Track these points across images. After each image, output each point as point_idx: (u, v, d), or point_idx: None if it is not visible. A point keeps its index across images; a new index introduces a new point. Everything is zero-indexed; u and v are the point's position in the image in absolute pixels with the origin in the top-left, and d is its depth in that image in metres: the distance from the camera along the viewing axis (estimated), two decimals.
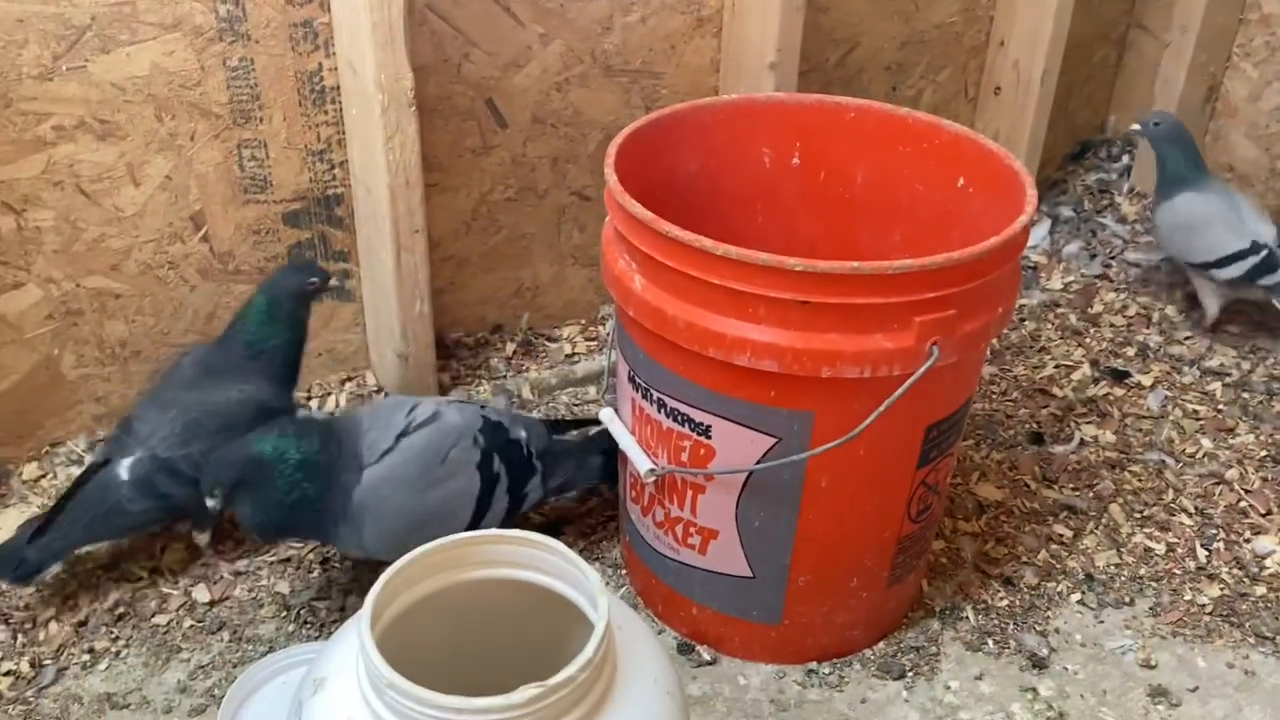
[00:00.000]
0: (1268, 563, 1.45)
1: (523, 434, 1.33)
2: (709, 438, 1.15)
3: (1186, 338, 1.87)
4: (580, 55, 1.64)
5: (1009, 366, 1.80)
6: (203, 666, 1.27)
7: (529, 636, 0.95)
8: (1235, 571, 1.44)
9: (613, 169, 1.15)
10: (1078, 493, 1.56)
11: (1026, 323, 1.91)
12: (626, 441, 1.24)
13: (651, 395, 1.19)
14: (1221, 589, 1.41)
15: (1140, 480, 1.58)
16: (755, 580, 1.23)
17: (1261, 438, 1.65)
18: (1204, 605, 1.39)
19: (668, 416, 1.18)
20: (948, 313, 1.05)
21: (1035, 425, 1.67)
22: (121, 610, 1.33)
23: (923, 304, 1.03)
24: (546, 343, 1.78)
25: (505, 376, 1.70)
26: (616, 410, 1.30)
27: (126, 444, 1.30)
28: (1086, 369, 1.79)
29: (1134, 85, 2.27)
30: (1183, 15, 2.11)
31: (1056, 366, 1.81)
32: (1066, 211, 2.21)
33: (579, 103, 1.67)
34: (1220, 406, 1.72)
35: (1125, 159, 2.29)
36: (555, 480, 1.36)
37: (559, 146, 1.68)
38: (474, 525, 1.26)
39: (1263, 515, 1.52)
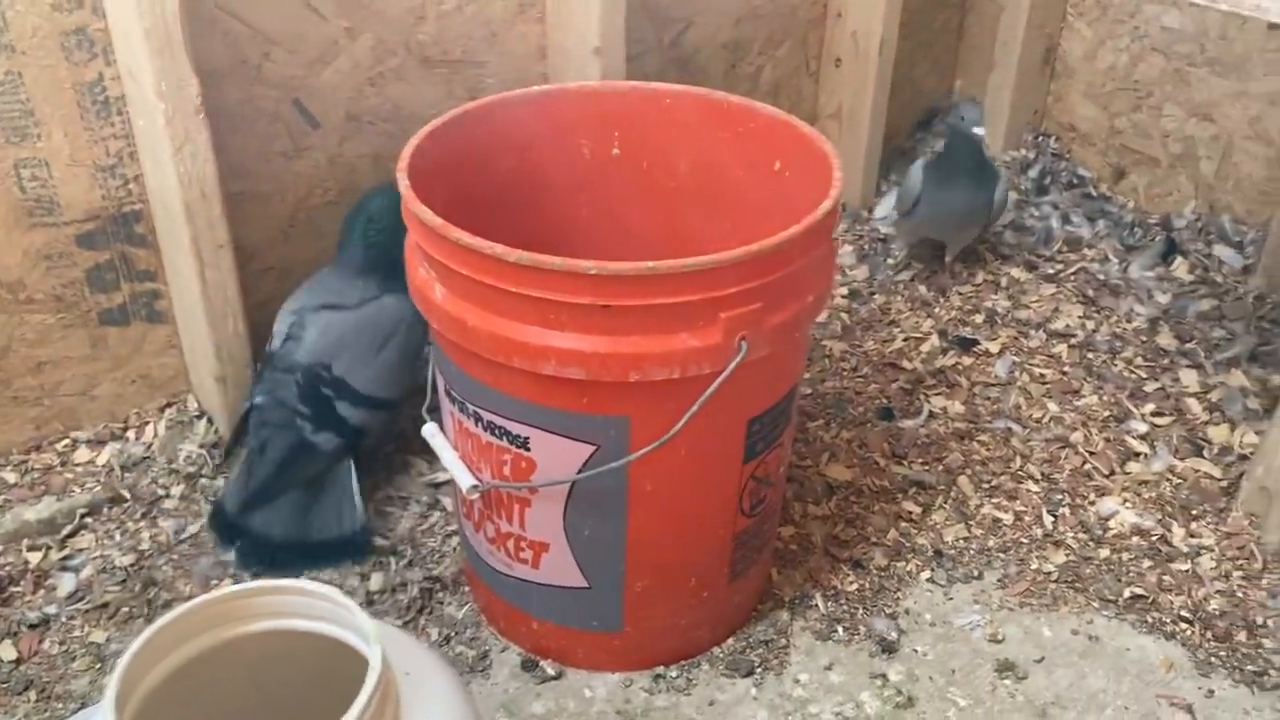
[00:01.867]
0: (1111, 524, 1.47)
1: None
2: (528, 450, 1.10)
3: (1034, 301, 1.89)
4: (393, 48, 1.56)
5: (859, 342, 1.79)
6: None
7: (336, 687, 0.89)
8: (1080, 536, 1.45)
9: (404, 174, 1.09)
10: (927, 467, 1.55)
11: (876, 296, 1.90)
12: (449, 458, 1.18)
13: (468, 409, 1.13)
14: (1067, 555, 1.42)
15: (988, 450, 1.58)
16: (592, 590, 1.19)
17: (1104, 398, 1.67)
18: (1049, 573, 1.40)
19: (485, 430, 1.12)
20: (754, 306, 1.01)
21: (885, 400, 1.67)
22: None
23: (726, 299, 1.00)
24: None
25: None
26: (441, 425, 1.24)
27: (277, 378, 1.37)
28: (935, 340, 1.79)
29: (976, 50, 2.28)
30: None
31: (906, 339, 1.81)
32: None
33: (397, 97, 1.59)
34: (1066, 369, 1.73)
35: None
36: None
37: (380, 144, 1.60)
38: None
39: (1106, 476, 1.54)
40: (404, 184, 1.07)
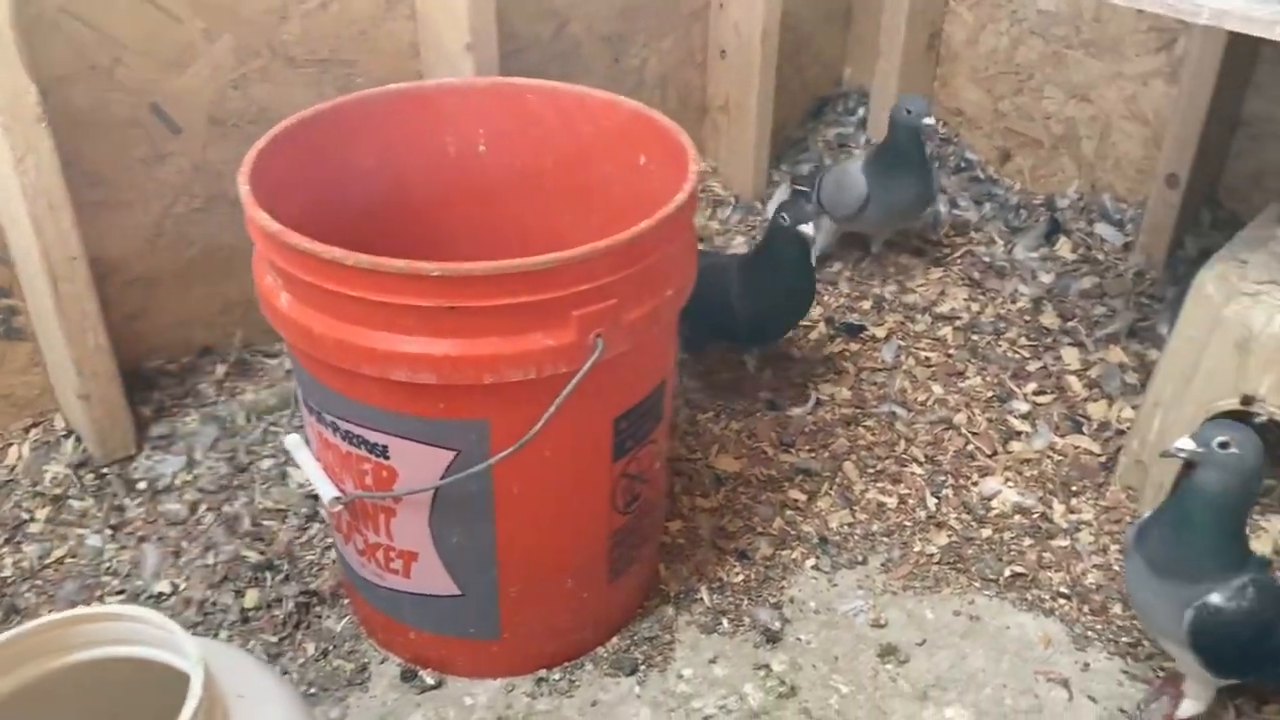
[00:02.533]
0: (994, 504, 1.49)
1: None
2: (388, 458, 1.08)
3: (921, 285, 1.91)
4: (256, 49, 1.51)
5: None
6: None
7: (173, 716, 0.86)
8: (963, 517, 1.47)
9: (245, 179, 1.06)
10: (813, 454, 1.56)
11: None
12: (311, 470, 1.15)
13: (325, 419, 1.10)
14: (950, 536, 1.44)
15: (874, 435, 1.59)
16: (466, 598, 1.17)
17: (988, 378, 1.69)
18: (932, 555, 1.41)
19: (344, 440, 1.10)
20: (608, 302, 1.00)
21: (773, 390, 1.67)
22: None
23: (579, 297, 0.98)
24: (265, 360, 1.66)
25: (217, 402, 1.58)
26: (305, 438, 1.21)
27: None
28: (823, 327, 1.79)
29: (863, 38, 2.29)
30: None
31: (795, 328, 1.81)
32: (808, 169, 2.21)
33: (264, 99, 1.55)
34: (951, 351, 1.75)
35: (860, 111, 2.31)
36: None
37: (247, 148, 1.55)
38: None
39: (989, 456, 1.56)
40: (244, 189, 1.04)
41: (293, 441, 1.19)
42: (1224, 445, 1.05)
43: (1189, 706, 1.16)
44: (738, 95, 2.06)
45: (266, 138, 1.13)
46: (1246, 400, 1.30)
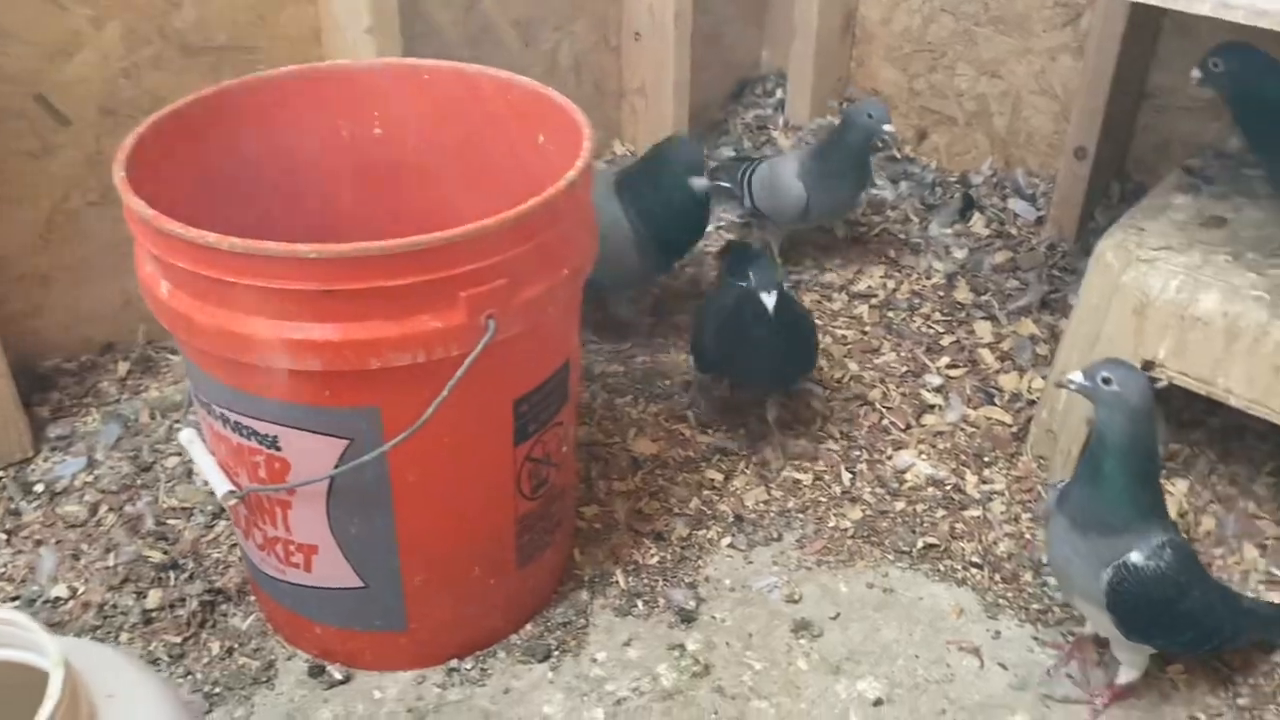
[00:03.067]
0: (907, 476, 1.49)
1: None
2: (279, 449, 1.05)
3: (837, 264, 1.91)
4: (147, 36, 1.47)
5: (669, 314, 1.78)
6: None
7: None
8: (877, 490, 1.47)
9: (121, 166, 1.02)
10: (730, 434, 1.55)
11: (687, 269, 1.89)
12: (205, 464, 1.12)
13: (215, 411, 1.07)
14: (864, 510, 1.44)
15: (790, 412, 1.59)
16: (369, 590, 1.15)
17: (902, 354, 1.70)
18: (846, 529, 1.41)
19: (234, 431, 1.07)
20: (498, 283, 0.98)
21: (689, 370, 1.66)
22: None
23: (466, 277, 0.96)
24: (170, 355, 1.62)
25: (119, 400, 1.53)
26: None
27: None
28: None
29: (780, 20, 2.29)
30: None
31: None
32: (728, 152, 2.21)
33: (158, 88, 1.51)
34: (866, 329, 1.76)
35: (779, 93, 2.31)
36: None
37: None
38: None
39: (903, 430, 1.57)
40: (118, 176, 1.01)
41: (187, 436, 1.16)
42: (1106, 381, 1.06)
43: (1125, 674, 1.17)
44: (653, 79, 2.05)
45: (146, 124, 1.10)
46: (1147, 365, 1.32)
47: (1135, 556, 1.07)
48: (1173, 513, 1.40)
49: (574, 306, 1.17)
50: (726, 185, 1.87)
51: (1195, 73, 1.29)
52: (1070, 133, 1.87)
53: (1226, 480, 1.44)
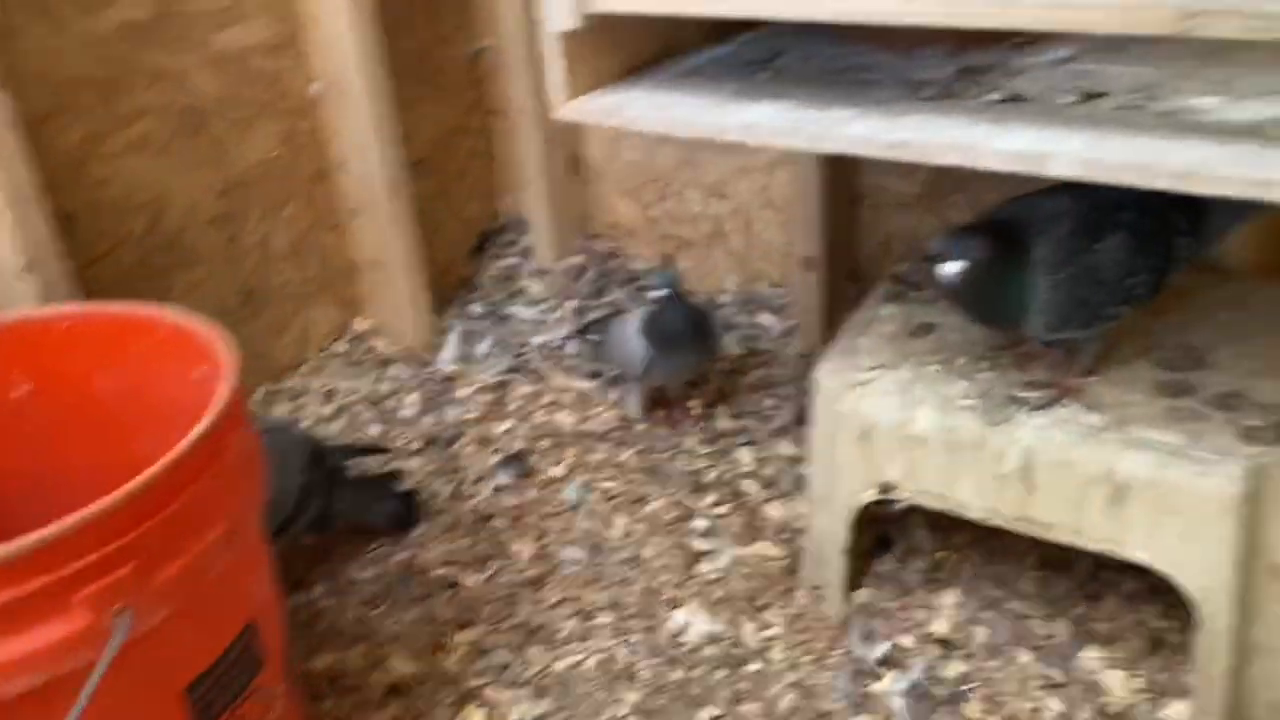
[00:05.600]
0: (683, 639, 1.41)
1: None
2: None
3: (597, 409, 1.85)
4: None
5: (424, 500, 1.67)
6: None
7: None
8: (653, 662, 1.38)
9: None
10: (496, 633, 1.44)
11: (452, 446, 1.79)
12: None
13: None
14: (641, 690, 1.34)
15: (560, 590, 1.49)
16: None
17: (669, 499, 1.64)
18: (624, 717, 1.31)
19: None
20: (121, 571, 0.86)
21: (452, 563, 1.55)
22: None
23: (77, 577, 0.84)
24: None
25: None
26: None
27: None
28: (501, 477, 1.70)
29: (510, 170, 2.26)
30: (517, 97, 2.12)
31: (477, 481, 1.71)
32: (478, 309, 2.14)
33: None
34: (632, 477, 1.69)
35: (524, 239, 2.27)
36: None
37: None
38: None
39: (676, 587, 1.49)
40: None
41: None
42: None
43: None
44: (381, 251, 1.97)
45: None
46: (885, 489, 1.28)
47: None
48: (944, 630, 1.36)
49: (252, 558, 1.05)
50: (594, 338, 1.86)
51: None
52: (796, 243, 1.88)
53: (992, 582, 1.42)
